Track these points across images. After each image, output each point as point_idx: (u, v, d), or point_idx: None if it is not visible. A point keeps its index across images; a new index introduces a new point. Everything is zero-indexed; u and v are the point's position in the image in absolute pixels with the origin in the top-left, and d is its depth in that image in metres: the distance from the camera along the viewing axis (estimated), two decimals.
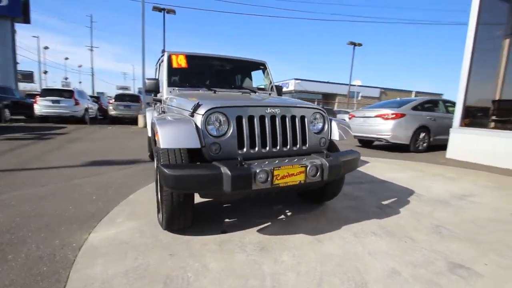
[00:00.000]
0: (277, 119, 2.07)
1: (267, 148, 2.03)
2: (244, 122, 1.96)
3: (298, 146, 2.15)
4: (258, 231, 2.17)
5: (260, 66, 3.54)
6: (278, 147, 2.07)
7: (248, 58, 3.50)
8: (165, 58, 3.05)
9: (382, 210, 2.68)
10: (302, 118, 2.19)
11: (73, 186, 3.14)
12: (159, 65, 3.60)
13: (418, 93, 38.44)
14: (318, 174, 1.96)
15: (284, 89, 34.81)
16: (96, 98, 14.94)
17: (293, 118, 2.14)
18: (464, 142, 5.62)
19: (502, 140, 5.12)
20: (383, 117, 6.47)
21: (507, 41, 5.83)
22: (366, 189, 3.33)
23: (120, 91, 24.87)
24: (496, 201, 3.09)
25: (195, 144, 1.78)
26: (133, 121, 11.86)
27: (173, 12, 16.62)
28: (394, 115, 6.40)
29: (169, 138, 1.75)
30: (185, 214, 1.95)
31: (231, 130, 1.93)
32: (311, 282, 1.55)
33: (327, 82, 37.54)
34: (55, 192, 2.91)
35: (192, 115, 1.94)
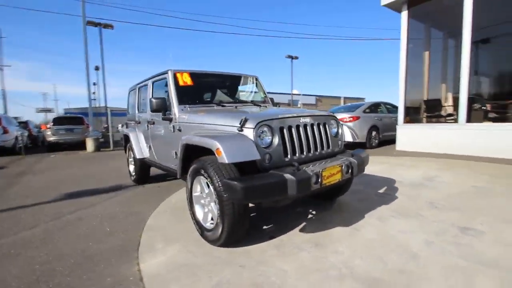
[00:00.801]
0: (308, 127, 2.32)
1: (305, 154, 2.25)
2: (286, 132, 2.15)
3: (325, 149, 2.43)
4: (300, 231, 2.35)
5: (254, 80, 3.75)
6: (312, 152, 2.31)
7: (242, 73, 3.69)
8: (170, 76, 3.01)
9: (383, 197, 3.14)
10: (324, 124, 2.49)
11: (71, 222, 2.78)
12: (152, 84, 3.50)
13: (346, 98, 43.53)
14: (349, 171, 2.27)
15: None
16: (24, 124, 12.76)
17: (318, 125, 2.42)
18: (408, 135, 6.78)
19: (432, 131, 6.38)
20: (343, 120, 7.33)
21: (426, 53, 7.34)
22: (357, 183, 3.80)
23: (54, 114, 21.66)
24: (455, 179, 3.90)
25: (255, 156, 1.89)
26: (76, 146, 10.55)
27: (111, 27, 15.54)
28: (351, 118, 7.32)
29: (233, 153, 1.82)
30: (244, 226, 2.01)
31: (276, 140, 2.09)
32: (377, 262, 1.81)
33: (269, 93, 39.57)
34: (55, 232, 2.54)
35: (241, 129, 2.04)
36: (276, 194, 1.84)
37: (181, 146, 2.40)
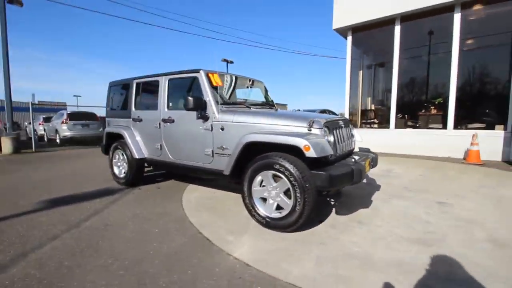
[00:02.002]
0: (343, 129, 2.85)
1: (343, 150, 2.77)
2: (335, 132, 2.62)
3: (350, 147, 3.01)
4: (337, 214, 2.84)
5: (262, 84, 4.06)
6: (347, 148, 2.85)
7: (252, 77, 3.95)
8: (204, 76, 3.03)
9: (371, 185, 3.96)
10: (349, 127, 3.08)
11: (101, 229, 2.49)
12: (168, 81, 3.37)
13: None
14: (373, 165, 2.92)
15: None
16: None
17: (346, 127, 2.98)
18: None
19: (372, 135, 7.97)
20: None
21: (360, 72, 9.05)
22: None
23: None
24: (404, 171, 5.13)
25: (330, 151, 2.28)
26: None
27: (20, 3, 12.50)
28: None
29: (319, 148, 2.17)
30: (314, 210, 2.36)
31: (332, 139, 2.54)
32: (409, 228, 2.46)
33: None
34: (94, 239, 2.27)
35: (310, 129, 2.39)
36: (347, 181, 2.29)
37: (240, 144, 2.55)
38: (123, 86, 4.09)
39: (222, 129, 2.87)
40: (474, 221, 2.62)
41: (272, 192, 2.45)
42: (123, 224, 2.61)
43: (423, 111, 7.87)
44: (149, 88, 3.72)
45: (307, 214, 2.25)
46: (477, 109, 6.61)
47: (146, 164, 3.89)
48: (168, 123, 3.37)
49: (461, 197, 3.40)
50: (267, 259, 1.96)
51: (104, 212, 2.97)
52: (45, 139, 11.96)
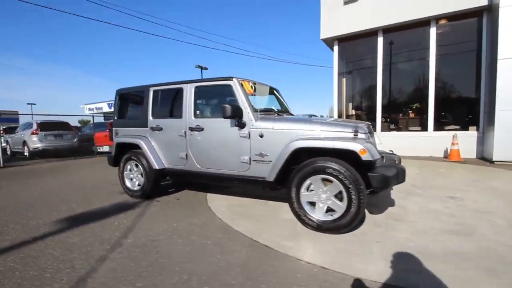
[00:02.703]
0: (372, 133, 3.05)
1: None
2: (371, 136, 2.80)
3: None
4: (371, 213, 3.01)
5: (276, 90, 4.15)
6: None
7: (270, 85, 4.02)
8: (237, 84, 3.04)
9: None
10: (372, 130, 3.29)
11: (150, 245, 2.35)
12: (194, 89, 3.31)
13: None
14: (398, 163, 3.15)
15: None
16: None
17: (372, 131, 3.19)
18: None
19: None
20: None
21: (343, 80, 9.60)
22: None
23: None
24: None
25: (379, 154, 2.44)
26: None
27: None
28: None
29: (373, 152, 2.31)
30: None
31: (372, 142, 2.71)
32: (438, 221, 2.71)
33: None
34: (153, 255, 2.14)
35: (356, 135, 2.53)
36: (395, 181, 2.46)
37: (288, 150, 2.61)
38: (136, 94, 3.90)
39: (261, 136, 2.90)
40: (488, 211, 2.96)
41: (322, 196, 2.53)
42: (170, 238, 2.49)
43: (400, 115, 8.60)
44: (170, 96, 3.60)
45: (361, 214, 2.37)
46: (453, 112, 7.40)
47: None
48: (196, 132, 3.29)
49: (465, 191, 3.80)
50: (338, 260, 2.03)
51: (138, 227, 2.80)
52: (8, 152, 10.70)
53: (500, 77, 5.62)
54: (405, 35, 7.49)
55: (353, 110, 10.82)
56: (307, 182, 2.56)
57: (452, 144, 6.35)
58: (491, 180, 4.46)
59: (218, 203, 3.56)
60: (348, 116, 9.74)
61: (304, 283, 1.76)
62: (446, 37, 6.98)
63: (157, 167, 3.56)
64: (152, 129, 3.65)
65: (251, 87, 3.27)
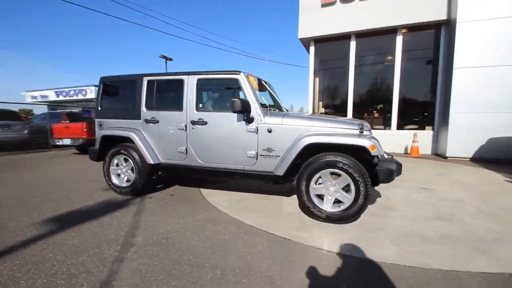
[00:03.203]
0: None
1: None
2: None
3: None
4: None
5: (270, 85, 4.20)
6: None
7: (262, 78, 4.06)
8: (245, 79, 3.01)
9: None
10: None
11: (163, 243, 2.25)
12: (197, 81, 3.20)
13: None
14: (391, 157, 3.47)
15: (81, 97, 28.99)
16: None
17: None
18: None
19: None
20: None
21: (316, 79, 10.03)
22: None
23: None
24: None
25: (382, 152, 2.66)
26: None
27: None
28: None
29: (380, 148, 2.52)
30: None
31: None
32: (427, 210, 3.08)
33: None
34: (175, 258, 2.05)
35: (361, 132, 2.72)
36: (397, 174, 2.71)
37: (300, 145, 2.70)
38: (127, 83, 3.61)
39: (270, 131, 2.94)
40: (458, 200, 3.45)
41: (330, 189, 2.69)
42: (183, 235, 2.41)
43: (366, 114, 9.34)
44: (167, 87, 3.41)
45: (366, 205, 2.59)
46: (413, 113, 8.27)
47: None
48: (198, 125, 3.19)
49: (434, 183, 4.34)
50: (355, 247, 2.20)
51: (142, 225, 2.64)
52: None
53: (456, 84, 6.47)
54: (375, 40, 8.11)
55: (323, 108, 11.41)
56: (317, 175, 2.70)
57: (413, 141, 7.14)
58: (452, 173, 5.15)
59: (217, 198, 3.52)
60: (323, 114, 10.25)
61: (336, 270, 1.88)
62: (410, 45, 7.75)
63: (152, 162, 3.37)
64: (146, 121, 3.43)
65: (256, 81, 3.28)
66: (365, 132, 2.76)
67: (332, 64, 10.20)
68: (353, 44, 8.24)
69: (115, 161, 3.62)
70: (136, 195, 3.58)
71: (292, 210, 3.07)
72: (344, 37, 8.30)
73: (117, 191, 3.62)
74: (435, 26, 7.31)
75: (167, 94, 3.46)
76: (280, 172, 2.86)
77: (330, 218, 2.66)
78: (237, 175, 3.16)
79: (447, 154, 6.69)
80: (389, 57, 7.96)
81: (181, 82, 3.28)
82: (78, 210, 3.08)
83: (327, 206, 2.70)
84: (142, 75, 3.48)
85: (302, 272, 1.85)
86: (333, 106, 10.55)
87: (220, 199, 3.46)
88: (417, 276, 1.80)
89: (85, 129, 7.40)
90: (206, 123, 3.17)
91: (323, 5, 8.19)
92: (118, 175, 3.64)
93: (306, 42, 8.98)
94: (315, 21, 8.32)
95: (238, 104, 2.82)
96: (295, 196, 3.64)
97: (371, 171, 2.62)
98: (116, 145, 3.59)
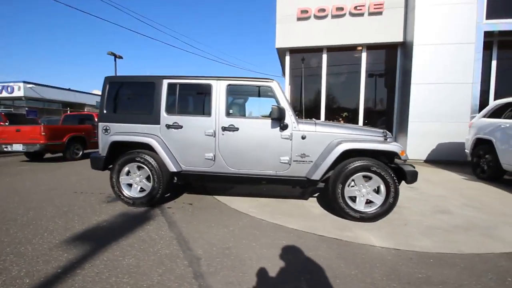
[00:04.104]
0: None
1: None
2: None
3: None
4: None
5: None
6: None
7: None
8: (278, 86, 3.09)
9: None
10: None
11: (232, 255, 2.17)
12: (227, 87, 3.15)
13: None
14: None
15: (6, 95, 24.54)
16: None
17: None
18: None
19: None
20: None
21: (289, 86, 10.54)
22: None
23: None
24: None
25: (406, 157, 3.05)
26: None
27: None
28: None
29: (406, 154, 2.88)
30: None
31: None
32: (424, 206, 3.61)
33: (70, 90, 31.47)
34: (254, 265, 2.01)
35: (385, 139, 3.07)
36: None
37: (337, 152, 2.91)
38: (140, 85, 3.31)
39: (303, 138, 3.09)
40: (442, 196, 4.11)
41: (362, 190, 2.96)
42: (239, 244, 2.37)
43: (334, 121, 10.22)
44: (192, 92, 3.27)
45: (395, 205, 2.93)
46: (374, 121, 9.35)
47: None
48: (229, 131, 3.14)
49: (416, 183, 5.04)
50: (399, 242, 2.49)
51: (188, 237, 2.48)
52: None
53: (412, 97, 7.61)
54: (344, 55, 8.98)
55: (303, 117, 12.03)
56: (351, 179, 2.94)
57: None
58: (425, 174, 6.01)
59: (240, 204, 3.48)
60: None
61: (400, 264, 2.11)
62: (373, 61, 8.81)
63: (174, 170, 3.18)
64: (168, 126, 3.21)
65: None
66: (388, 139, 3.13)
67: (305, 73, 10.88)
68: (324, 56, 8.97)
69: (126, 169, 3.28)
70: (150, 206, 3.30)
71: (319, 212, 3.26)
72: (317, 50, 8.97)
73: (129, 203, 3.28)
74: (393, 46, 8.49)
75: (191, 98, 3.32)
76: (317, 176, 3.02)
77: (363, 218, 2.93)
78: (265, 181, 3.21)
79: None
80: (356, 70, 8.91)
81: (209, 86, 3.19)
82: (95, 226, 2.72)
83: (360, 207, 2.96)
84: (161, 77, 3.26)
85: (375, 268, 2.03)
86: (303, 114, 11.22)
87: (244, 206, 3.44)
88: (463, 261, 2.15)
89: (43, 133, 6.33)
90: (237, 129, 3.15)
91: (298, 19, 8.73)
92: (130, 184, 3.31)
93: (281, 52, 9.40)
94: (291, 33, 8.80)
95: (276, 111, 2.90)
96: (313, 198, 3.85)
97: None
98: (128, 152, 3.26)
